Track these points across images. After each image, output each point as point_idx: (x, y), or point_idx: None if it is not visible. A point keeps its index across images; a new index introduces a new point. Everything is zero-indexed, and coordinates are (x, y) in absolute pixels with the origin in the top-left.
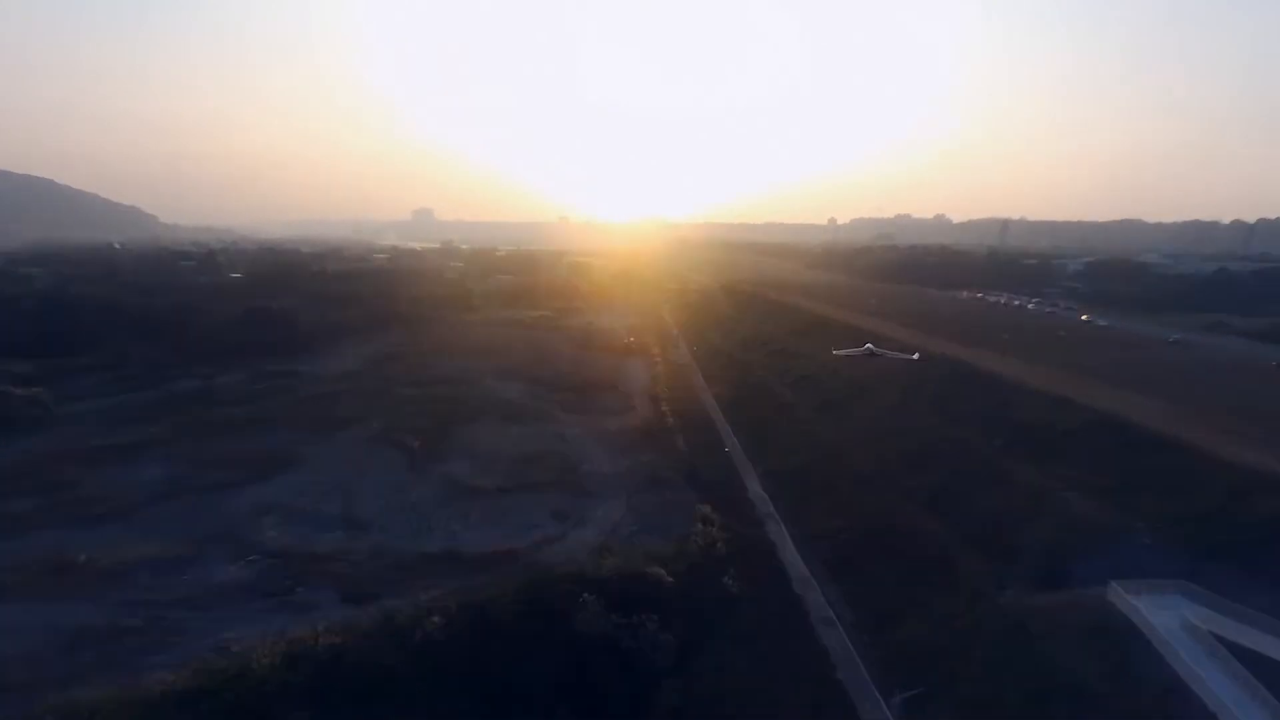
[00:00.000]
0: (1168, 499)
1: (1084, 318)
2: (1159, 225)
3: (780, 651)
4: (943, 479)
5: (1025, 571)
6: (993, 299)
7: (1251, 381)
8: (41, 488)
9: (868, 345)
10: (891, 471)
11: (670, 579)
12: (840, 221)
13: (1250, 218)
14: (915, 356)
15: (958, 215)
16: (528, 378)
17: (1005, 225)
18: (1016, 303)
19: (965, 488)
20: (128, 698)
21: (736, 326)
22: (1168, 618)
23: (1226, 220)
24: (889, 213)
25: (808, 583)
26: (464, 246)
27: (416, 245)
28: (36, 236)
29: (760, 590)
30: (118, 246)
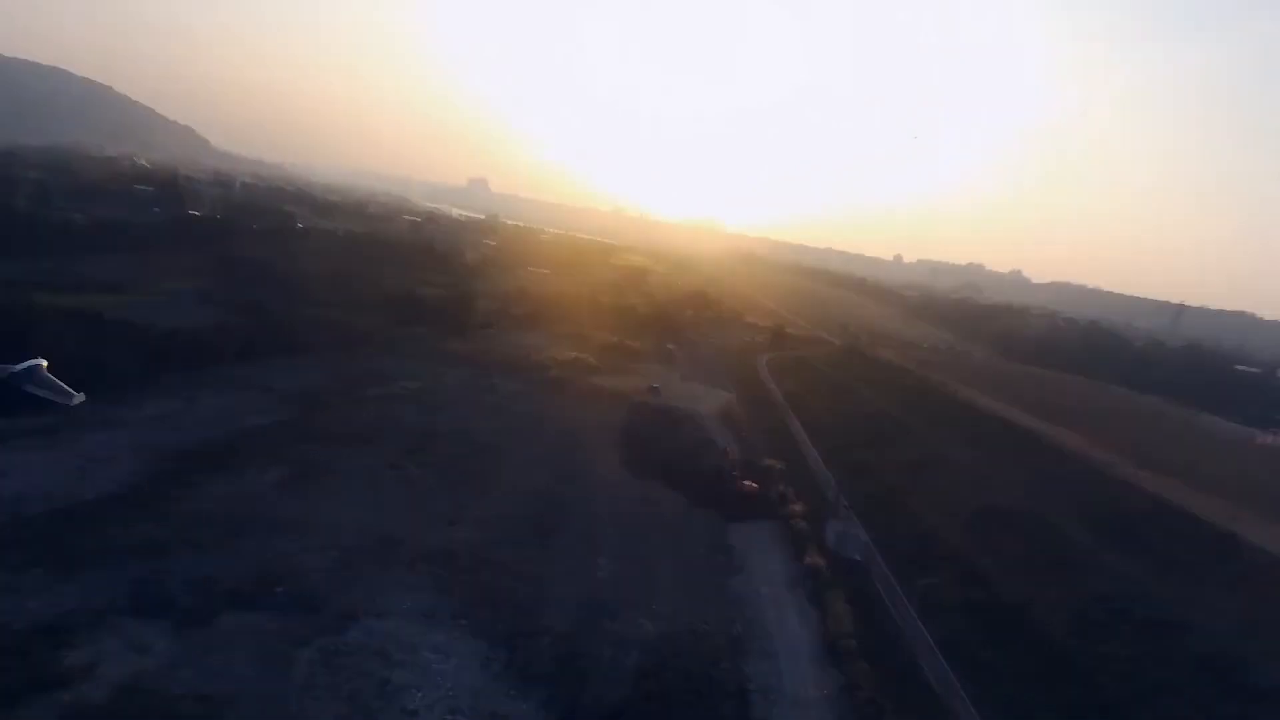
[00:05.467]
0: None
1: None
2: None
3: None
4: None
5: None
6: None
7: None
8: None
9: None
10: None
11: None
12: (906, 260)
13: None
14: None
15: (1035, 275)
16: (498, 622)
17: (1180, 311)
18: None
19: None
20: None
21: (930, 459)
22: None
23: None
24: (957, 256)
25: None
26: (509, 222)
27: (458, 213)
28: (72, 141)
29: None
30: (144, 163)
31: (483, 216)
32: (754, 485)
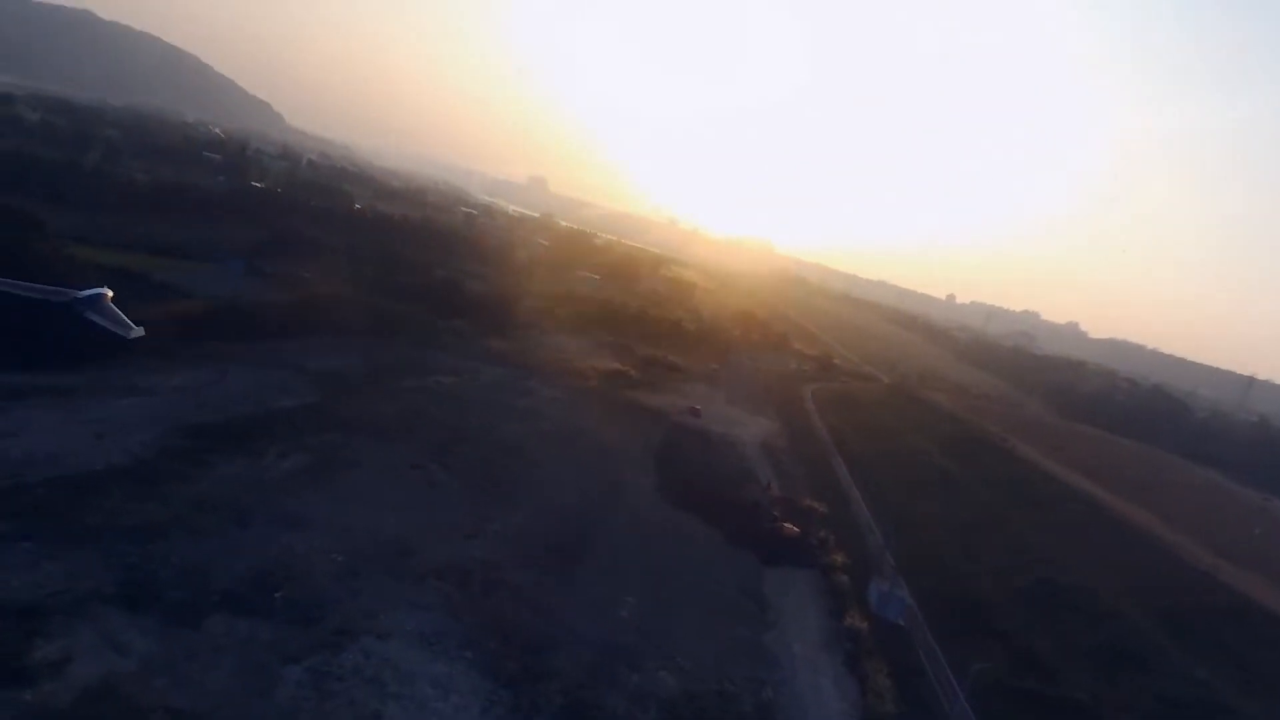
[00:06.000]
0: None
1: None
2: None
3: None
4: None
5: None
6: None
7: None
8: None
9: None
10: None
11: None
12: (959, 300)
13: None
14: None
15: (1092, 329)
16: (507, 658)
17: (1251, 384)
18: None
19: None
20: None
21: (982, 519)
22: None
23: None
24: (1012, 302)
25: None
26: (563, 224)
27: (514, 209)
28: (155, 105)
29: None
30: (218, 132)
31: (538, 215)
32: (795, 529)
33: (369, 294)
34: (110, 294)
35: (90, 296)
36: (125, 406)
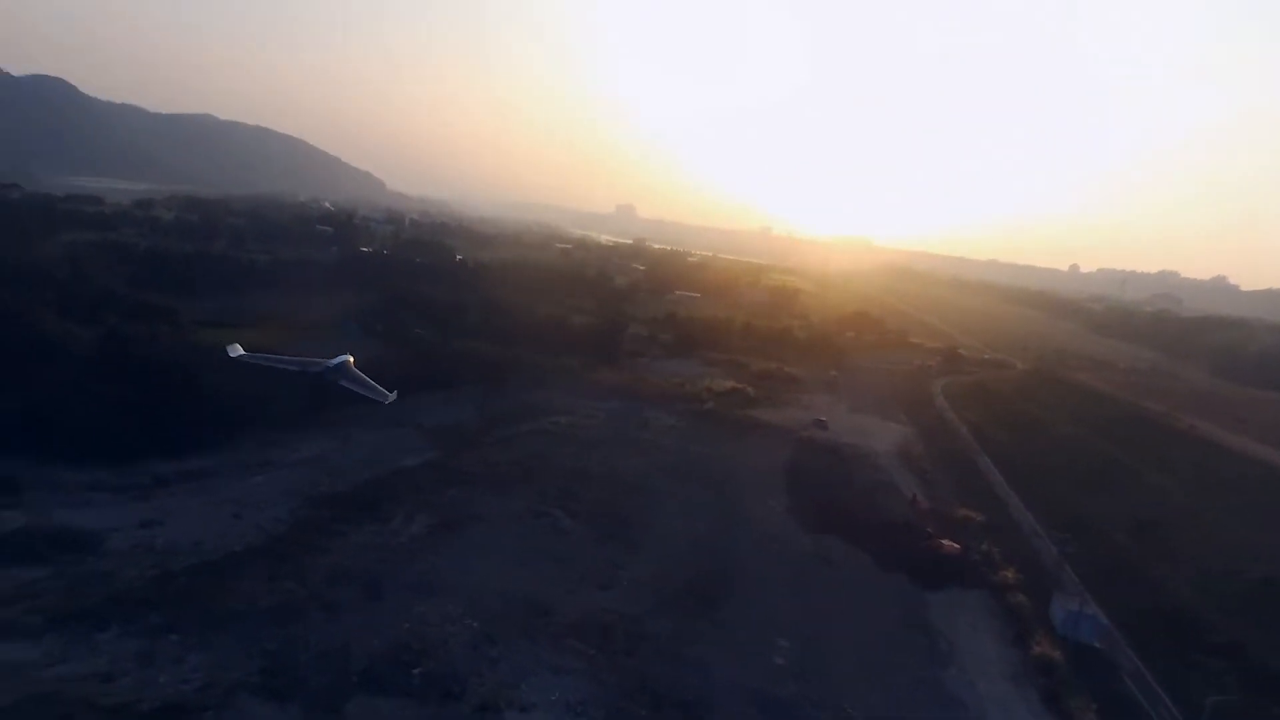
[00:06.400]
0: None
1: None
2: None
3: None
4: None
5: None
6: None
7: None
8: None
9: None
10: None
11: None
12: (1083, 269)
13: None
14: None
15: (1243, 281)
16: None
17: None
18: None
19: None
20: None
21: (1169, 514)
22: None
23: None
24: (1144, 264)
25: None
26: (656, 246)
27: (606, 239)
28: (271, 189)
29: None
30: (328, 206)
31: (630, 241)
32: (953, 544)
33: (477, 341)
34: (352, 359)
35: (338, 365)
36: (258, 484)
